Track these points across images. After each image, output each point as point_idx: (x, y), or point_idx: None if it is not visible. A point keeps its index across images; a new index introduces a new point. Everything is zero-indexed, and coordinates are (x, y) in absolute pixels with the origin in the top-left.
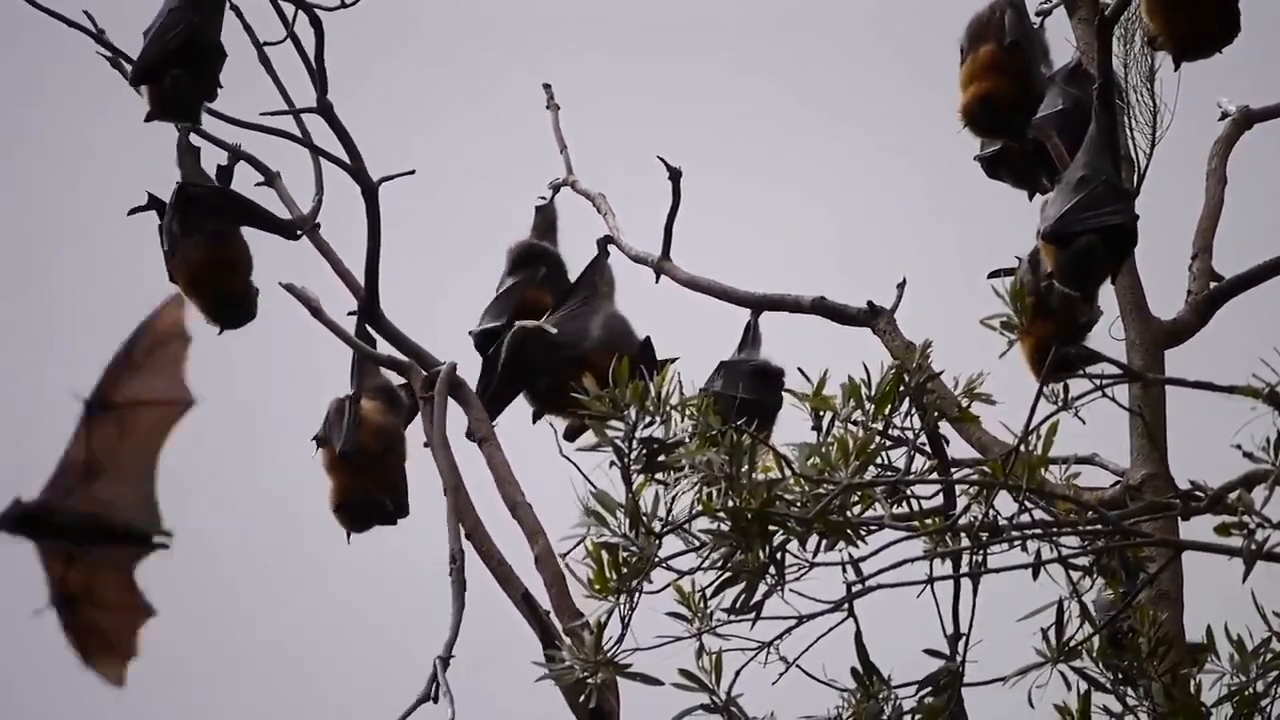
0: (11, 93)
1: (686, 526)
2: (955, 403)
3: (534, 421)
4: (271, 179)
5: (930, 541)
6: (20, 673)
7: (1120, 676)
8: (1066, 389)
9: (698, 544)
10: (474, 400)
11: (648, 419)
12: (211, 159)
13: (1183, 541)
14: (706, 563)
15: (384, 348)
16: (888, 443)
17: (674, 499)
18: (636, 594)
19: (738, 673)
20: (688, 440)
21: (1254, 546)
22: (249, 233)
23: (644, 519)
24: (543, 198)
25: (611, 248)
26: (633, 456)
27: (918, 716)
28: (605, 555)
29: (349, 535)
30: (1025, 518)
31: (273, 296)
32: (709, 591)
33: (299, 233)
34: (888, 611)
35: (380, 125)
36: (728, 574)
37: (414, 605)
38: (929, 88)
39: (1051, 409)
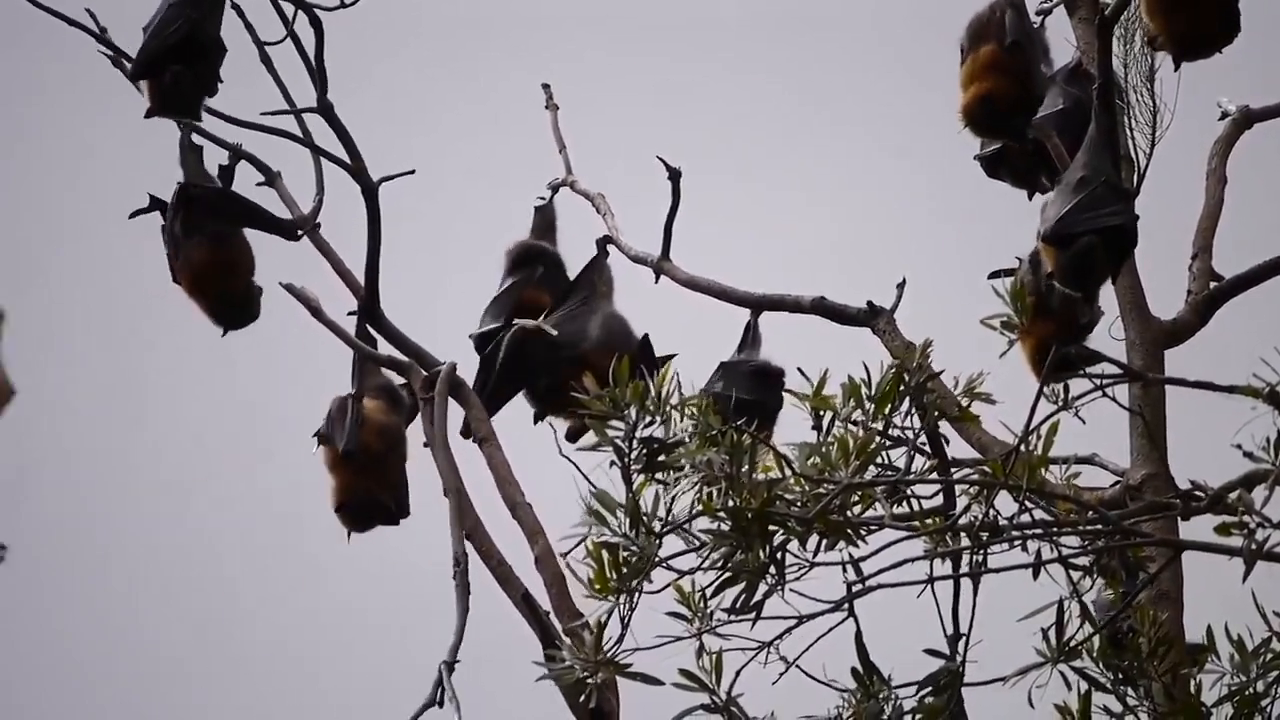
0: (11, 93)
1: (686, 526)
2: (955, 402)
3: (535, 422)
4: (272, 179)
5: (930, 541)
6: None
7: (1120, 676)
8: (1067, 389)
9: (698, 544)
10: (474, 400)
11: (648, 419)
12: (212, 158)
13: (1183, 541)
14: (706, 563)
15: (384, 348)
16: (887, 443)
17: (674, 499)
18: (636, 594)
19: (738, 673)
20: (688, 440)
21: (1254, 546)
22: (250, 233)
23: (644, 519)
24: (542, 198)
25: (611, 248)
26: (633, 456)
27: (918, 716)
28: (605, 555)
29: (350, 535)
30: (1025, 518)
31: (273, 296)
32: (709, 591)
33: (299, 233)
34: (888, 611)
35: (380, 125)
36: (728, 574)
37: (414, 605)
38: (929, 88)
39: (1051, 409)
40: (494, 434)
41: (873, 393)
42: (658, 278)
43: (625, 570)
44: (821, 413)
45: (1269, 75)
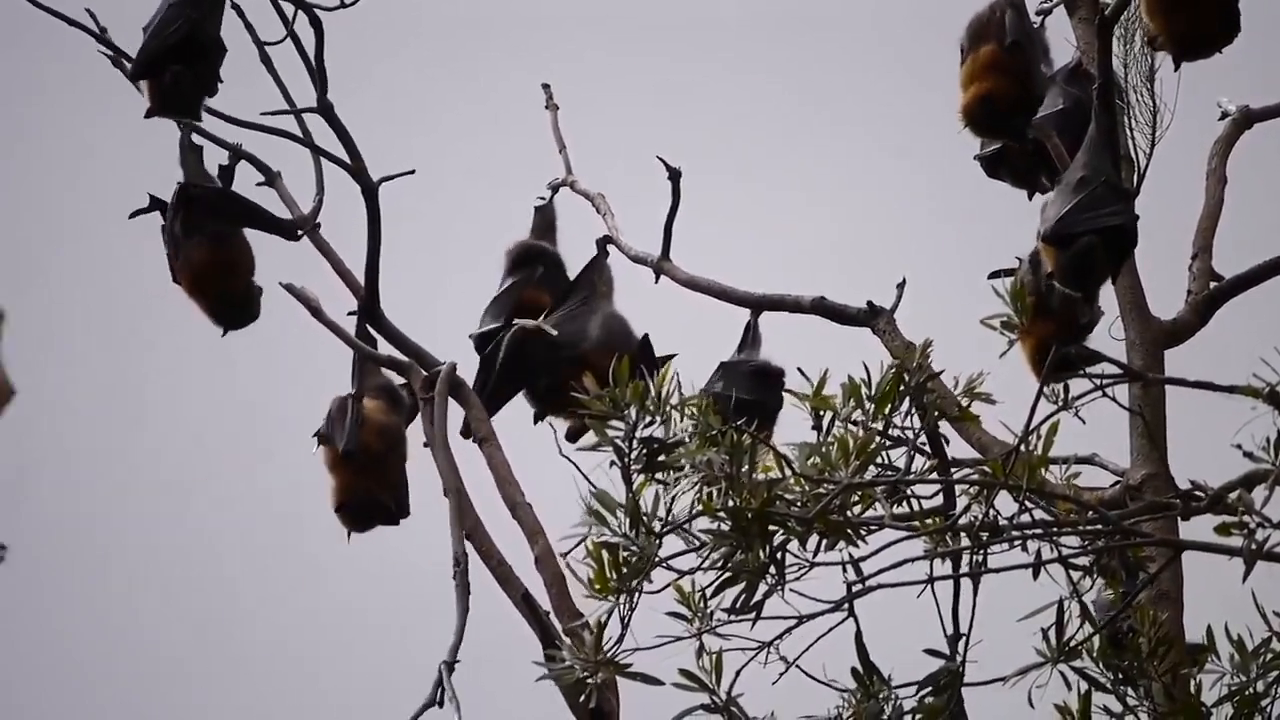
0: (11, 93)
1: (686, 526)
2: (955, 402)
3: (536, 422)
4: (272, 179)
5: (930, 541)
6: (20, 673)
7: (1120, 676)
8: (1067, 389)
9: (698, 544)
10: (474, 400)
11: (648, 419)
12: (212, 158)
13: (1183, 541)
14: (706, 563)
15: (384, 348)
16: (887, 443)
17: (674, 499)
18: (636, 594)
19: (738, 673)
20: (688, 440)
21: (1254, 546)
22: (250, 233)
23: (644, 519)
24: (542, 198)
25: (611, 248)
26: (633, 456)
27: (918, 716)
28: (605, 555)
29: (350, 535)
30: (1025, 518)
31: (273, 296)
32: (709, 591)
33: (299, 233)
34: (888, 611)
35: (380, 125)
36: (728, 574)
37: (414, 605)
38: (929, 88)
39: (1051, 409)
40: (494, 434)
41: (873, 393)
42: (658, 278)
43: (625, 570)
44: (821, 413)
45: (1269, 75)
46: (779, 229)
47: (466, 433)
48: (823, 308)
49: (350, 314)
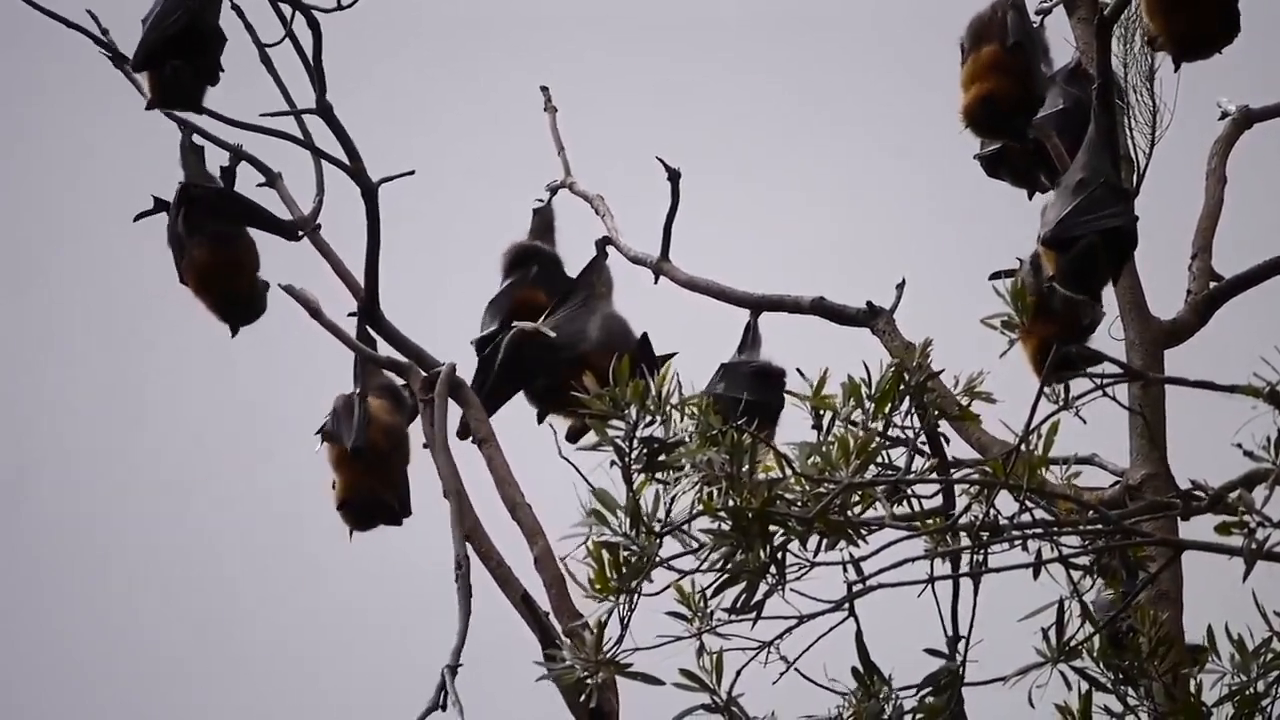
0: (11, 93)
1: (686, 527)
2: (955, 402)
3: (539, 422)
4: (273, 179)
5: (930, 541)
6: (20, 673)
7: (1121, 676)
8: (1067, 389)
9: (696, 545)
10: (474, 401)
11: (648, 418)
12: (213, 160)
13: (1183, 541)
14: (705, 565)
15: (384, 349)
16: (887, 443)
17: (674, 499)
18: (636, 594)
19: (738, 673)
20: (688, 440)
21: (1254, 546)
22: (253, 232)
23: (644, 519)
24: (540, 200)
25: (610, 249)
26: (633, 456)
27: (918, 716)
28: (605, 555)
29: (351, 533)
30: (1025, 517)
31: (273, 297)
32: (709, 591)
33: (300, 234)
34: (888, 611)
35: (380, 125)
36: (728, 574)
37: (414, 606)
38: (929, 88)
39: (1052, 409)
40: (494, 435)
41: (873, 392)
42: (657, 278)
43: (625, 570)
44: (821, 412)
45: (1269, 75)
46: (779, 229)
47: (463, 433)
48: (822, 308)
49: (350, 315)
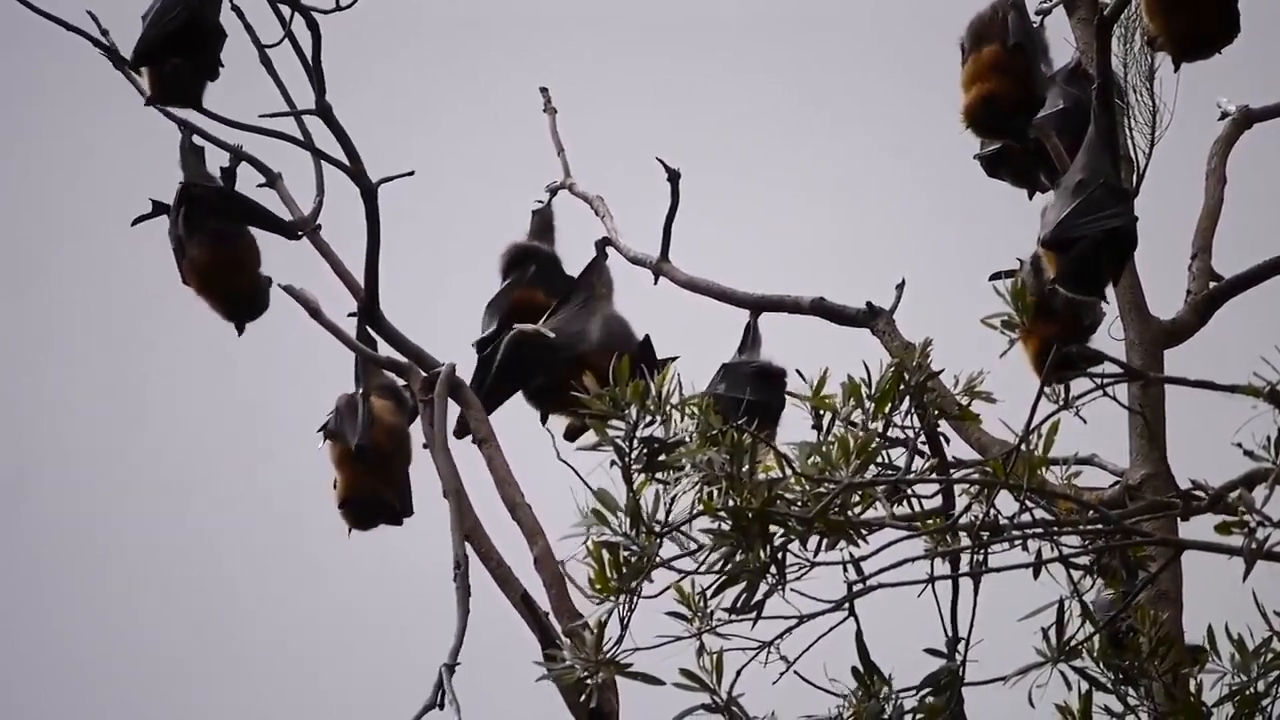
0: (11, 93)
1: (686, 527)
2: (955, 402)
3: (543, 423)
4: (273, 180)
5: (931, 541)
6: (20, 673)
7: (1121, 676)
8: (1067, 389)
9: (695, 547)
10: (474, 401)
11: (648, 418)
12: (213, 160)
13: (1183, 541)
14: (704, 567)
15: (384, 349)
16: (887, 442)
17: (674, 499)
18: (636, 594)
19: (738, 673)
20: (688, 439)
21: (1254, 545)
22: (252, 231)
23: (644, 519)
24: (540, 201)
25: (610, 249)
26: (633, 456)
27: (918, 716)
28: (606, 555)
29: (350, 531)
30: (1026, 517)
31: (273, 297)
32: (709, 591)
33: (300, 234)
34: (888, 611)
35: (380, 125)
36: (728, 574)
37: (414, 606)
38: (929, 88)
39: (1052, 409)
40: (494, 435)
41: (873, 392)
42: (657, 279)
43: (625, 570)
44: (821, 413)
45: (1269, 75)
46: (779, 229)
47: (460, 432)
48: (822, 308)
49: (350, 315)
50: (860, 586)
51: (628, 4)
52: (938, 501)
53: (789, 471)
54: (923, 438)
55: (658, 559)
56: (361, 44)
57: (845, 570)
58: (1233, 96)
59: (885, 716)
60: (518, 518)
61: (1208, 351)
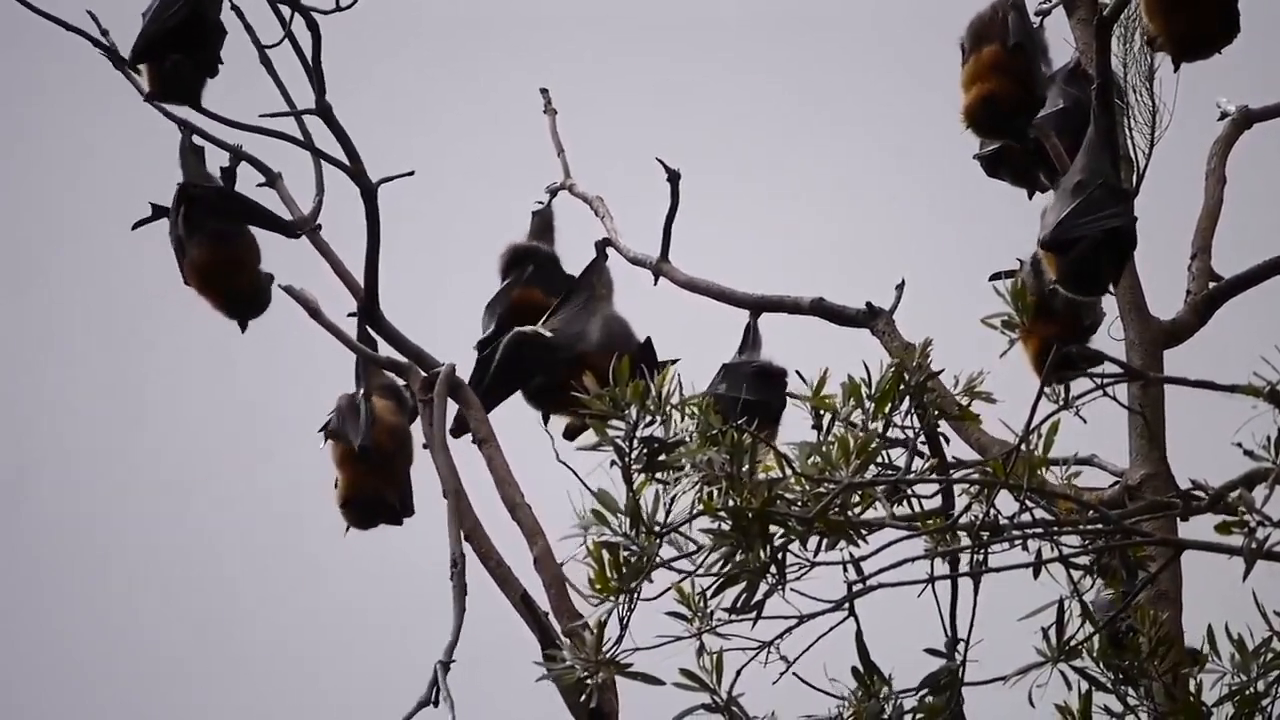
0: (11, 93)
1: (686, 528)
2: (955, 402)
3: (545, 423)
4: (273, 180)
5: (931, 541)
6: (20, 673)
7: (1121, 676)
8: (1067, 389)
9: (694, 548)
10: (474, 401)
11: (648, 418)
12: (213, 159)
13: (1183, 540)
14: (704, 569)
15: (383, 349)
16: (887, 443)
17: (674, 499)
18: (636, 594)
19: (738, 673)
20: (688, 439)
21: (1254, 545)
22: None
23: (644, 519)
24: (540, 202)
25: (610, 250)
26: (633, 456)
27: (918, 716)
28: (606, 555)
29: (348, 530)
30: (1026, 517)
31: (273, 297)
32: (709, 591)
33: (299, 232)
34: (888, 611)
35: (380, 125)
36: (728, 574)
37: (414, 606)
38: (929, 88)
39: (1052, 409)
40: (494, 435)
41: (872, 393)
42: (657, 280)
43: (625, 571)
44: (821, 413)
45: (1269, 75)
46: (779, 229)
47: (458, 431)
48: (822, 309)
49: (350, 315)
50: (860, 586)
51: (628, 4)
52: (938, 501)
53: (789, 471)
54: (923, 438)
55: (658, 559)
56: (361, 44)
57: (845, 570)
58: (1232, 96)
59: (885, 716)
60: (517, 518)
61: (1208, 351)
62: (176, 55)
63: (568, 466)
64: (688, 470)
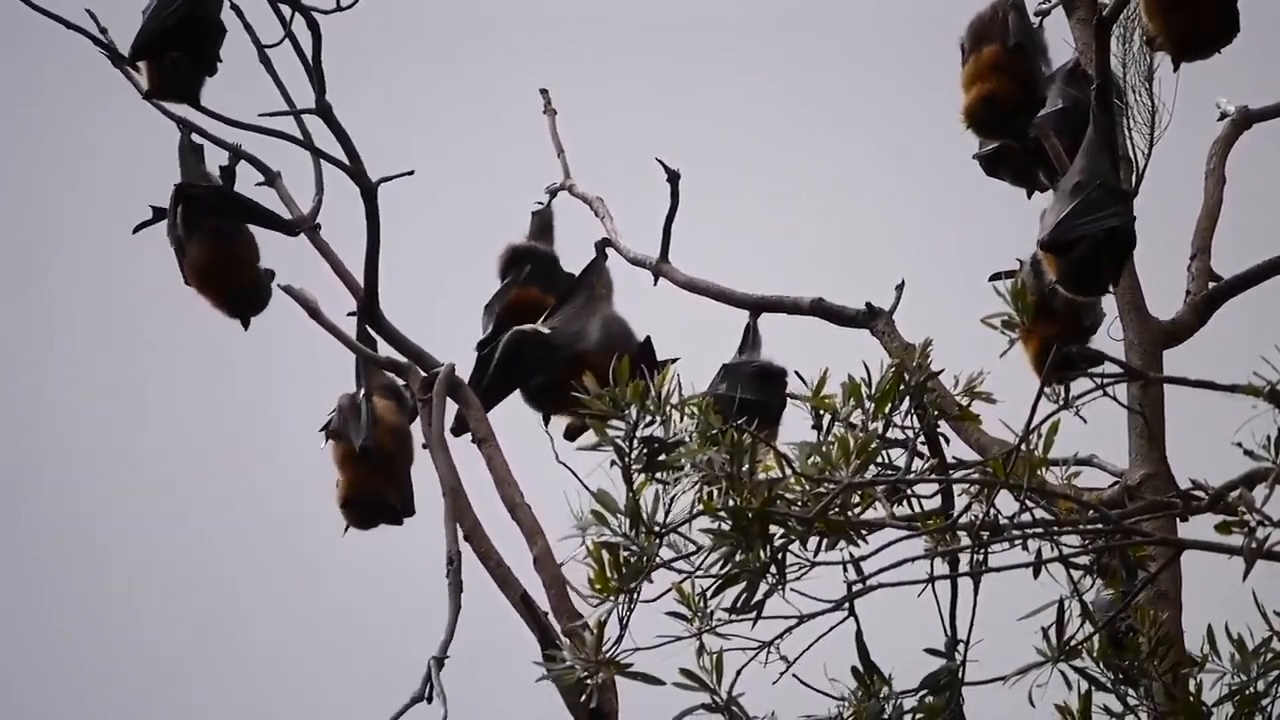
0: (11, 93)
1: (686, 528)
2: (955, 402)
3: (546, 424)
4: (272, 179)
5: (931, 541)
6: (20, 673)
7: (1121, 676)
8: (1067, 389)
9: (694, 548)
10: (474, 401)
11: (648, 418)
12: (212, 159)
13: (1183, 540)
14: (701, 570)
15: (383, 348)
16: (887, 443)
17: (674, 499)
18: (636, 595)
19: (738, 672)
20: (688, 439)
21: (1254, 545)
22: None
23: (644, 519)
24: (539, 203)
25: (609, 250)
26: (633, 456)
27: (918, 716)
28: (605, 555)
29: (346, 529)
30: (1026, 517)
31: (273, 297)
32: (709, 591)
33: (298, 231)
34: (888, 611)
35: (380, 125)
36: (728, 574)
37: (413, 605)
38: (929, 88)
39: (1052, 409)
40: (493, 435)
41: (872, 393)
42: (656, 280)
43: (625, 571)
44: (821, 413)
45: (1269, 75)
46: (779, 229)
47: (457, 431)
48: (821, 309)
49: (350, 315)
50: (860, 586)
51: (628, 4)
52: (937, 501)
53: (789, 471)
54: (922, 438)
55: (657, 559)
56: (361, 44)
57: (845, 570)
58: (1232, 96)
59: (885, 716)
60: (517, 518)
61: (1207, 351)
62: (176, 53)
63: (567, 467)
64: (687, 470)
